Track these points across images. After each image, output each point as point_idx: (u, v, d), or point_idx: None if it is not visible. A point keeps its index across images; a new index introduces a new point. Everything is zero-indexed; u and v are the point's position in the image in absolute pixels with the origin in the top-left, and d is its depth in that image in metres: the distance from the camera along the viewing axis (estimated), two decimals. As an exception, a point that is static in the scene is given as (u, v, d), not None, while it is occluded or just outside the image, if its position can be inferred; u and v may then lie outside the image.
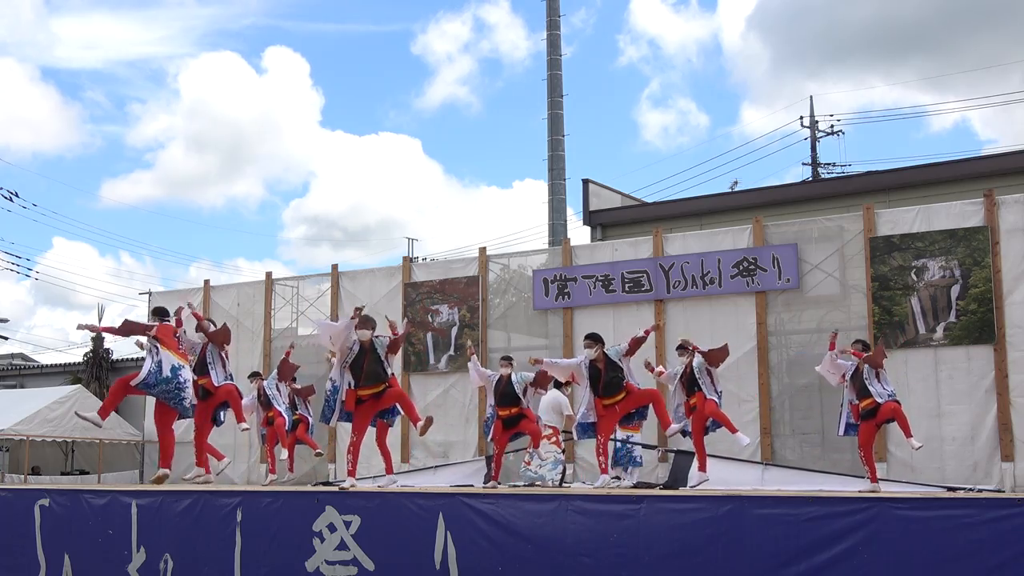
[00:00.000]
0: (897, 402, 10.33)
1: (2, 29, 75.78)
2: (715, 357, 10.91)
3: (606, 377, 10.19)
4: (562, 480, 12.40)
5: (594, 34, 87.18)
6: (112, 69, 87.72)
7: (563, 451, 12.74)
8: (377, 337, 10.13)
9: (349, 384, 10.03)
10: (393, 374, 10.30)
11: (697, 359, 10.90)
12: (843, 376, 10.69)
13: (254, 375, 14.16)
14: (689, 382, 10.96)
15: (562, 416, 12.37)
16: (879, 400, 10.22)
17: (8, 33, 75.71)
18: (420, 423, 9.93)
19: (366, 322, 10.17)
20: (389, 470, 11.61)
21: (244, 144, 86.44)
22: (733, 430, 10.68)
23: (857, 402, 10.44)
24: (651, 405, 10.55)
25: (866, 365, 10.37)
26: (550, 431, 12.42)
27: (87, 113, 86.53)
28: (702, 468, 10.92)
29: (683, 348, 11.20)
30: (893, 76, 75.92)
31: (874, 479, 10.44)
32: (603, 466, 10.34)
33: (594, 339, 10.42)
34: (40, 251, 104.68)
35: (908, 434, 10.28)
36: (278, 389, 13.11)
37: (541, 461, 12.35)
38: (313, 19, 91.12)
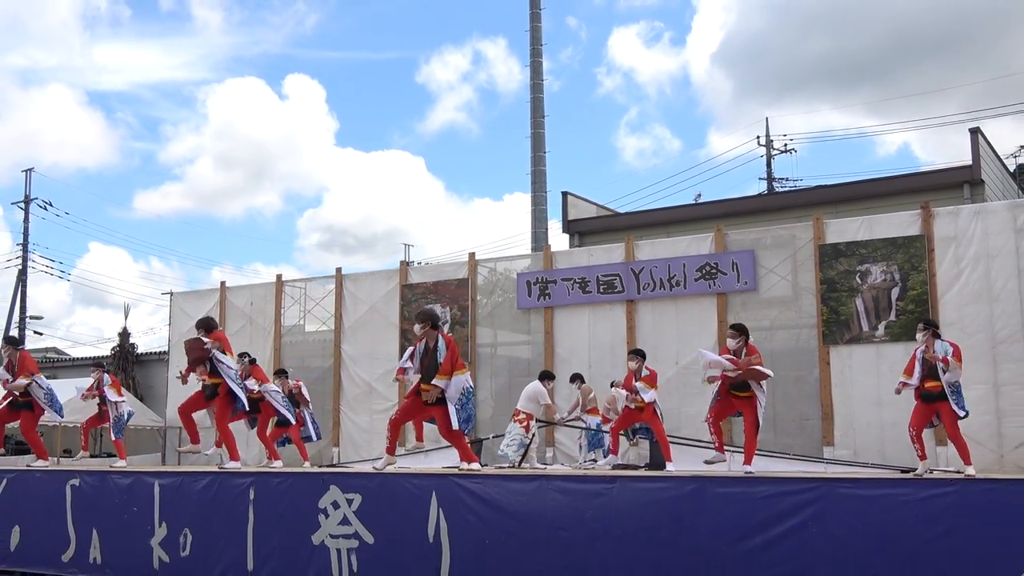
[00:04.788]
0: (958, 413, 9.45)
1: (53, 58, 76.02)
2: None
3: None
4: (521, 461, 12.30)
5: (579, 69, 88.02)
6: (137, 92, 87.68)
7: (532, 436, 12.67)
8: (441, 337, 9.31)
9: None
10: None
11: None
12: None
13: (280, 372, 14.11)
14: None
15: (539, 405, 12.36)
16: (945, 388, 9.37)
17: (57, 61, 75.99)
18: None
19: (426, 318, 9.45)
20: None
21: (266, 161, 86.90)
22: None
23: (917, 384, 9.56)
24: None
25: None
26: (523, 416, 12.39)
27: (124, 133, 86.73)
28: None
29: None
30: (842, 103, 76.58)
31: (923, 457, 9.60)
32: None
33: (739, 330, 9.70)
34: (77, 256, 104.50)
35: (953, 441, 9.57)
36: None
37: (510, 440, 12.28)
38: (327, 48, 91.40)
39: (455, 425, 9.18)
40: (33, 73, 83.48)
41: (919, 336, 9.69)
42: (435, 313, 9.89)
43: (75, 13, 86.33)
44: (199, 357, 10.36)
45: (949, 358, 9.36)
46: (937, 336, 9.61)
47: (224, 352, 10.43)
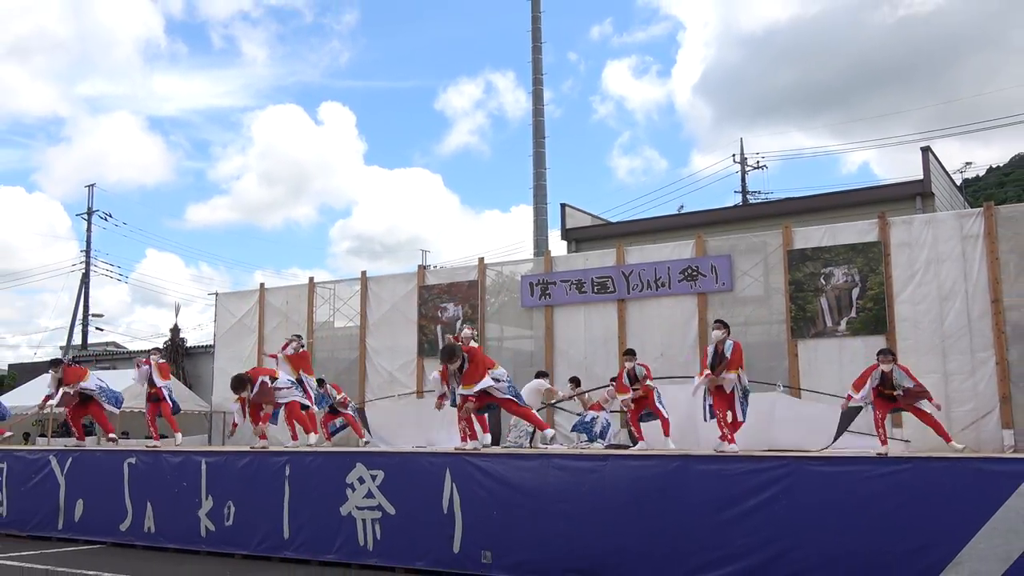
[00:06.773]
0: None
1: (119, 88, 76.46)
2: None
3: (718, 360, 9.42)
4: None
5: (578, 98, 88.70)
6: (188, 117, 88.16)
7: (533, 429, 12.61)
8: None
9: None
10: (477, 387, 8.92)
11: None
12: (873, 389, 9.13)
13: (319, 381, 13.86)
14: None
15: (540, 395, 12.35)
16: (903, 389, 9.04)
17: (122, 91, 76.55)
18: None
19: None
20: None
21: (303, 178, 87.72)
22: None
23: (862, 403, 9.37)
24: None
25: (894, 368, 9.04)
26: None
27: (179, 154, 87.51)
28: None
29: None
30: (808, 126, 76.76)
31: (884, 442, 8.95)
32: (727, 436, 9.09)
33: (724, 325, 9.59)
34: (136, 261, 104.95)
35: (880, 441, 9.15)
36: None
37: (518, 433, 12.23)
38: (358, 78, 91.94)
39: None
40: (100, 101, 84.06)
41: (884, 366, 9.06)
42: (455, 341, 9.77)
43: (138, 49, 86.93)
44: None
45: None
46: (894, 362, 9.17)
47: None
